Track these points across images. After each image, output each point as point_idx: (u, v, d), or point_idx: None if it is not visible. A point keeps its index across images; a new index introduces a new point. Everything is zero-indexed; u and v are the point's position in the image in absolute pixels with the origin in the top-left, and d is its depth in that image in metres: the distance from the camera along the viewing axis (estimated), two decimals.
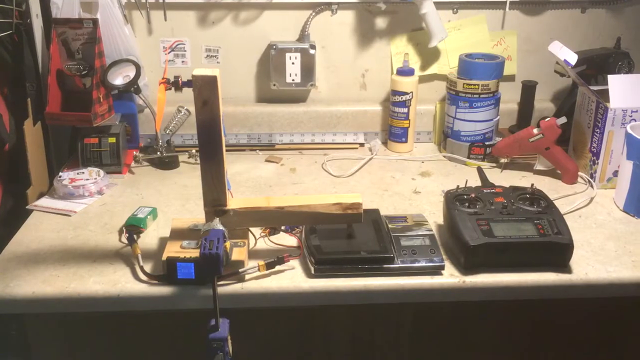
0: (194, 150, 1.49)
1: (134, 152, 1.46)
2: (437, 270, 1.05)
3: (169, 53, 1.56)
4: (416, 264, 1.05)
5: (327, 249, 1.06)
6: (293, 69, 1.53)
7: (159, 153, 1.47)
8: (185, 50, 1.56)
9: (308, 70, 1.54)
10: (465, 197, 1.15)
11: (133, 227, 1.16)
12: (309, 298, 1.04)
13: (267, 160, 1.52)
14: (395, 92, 1.52)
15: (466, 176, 1.42)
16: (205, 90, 0.96)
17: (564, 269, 1.06)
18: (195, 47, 1.56)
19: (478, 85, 1.45)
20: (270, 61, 1.54)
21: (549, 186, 1.38)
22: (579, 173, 1.40)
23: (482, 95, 1.46)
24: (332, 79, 1.60)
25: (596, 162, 1.36)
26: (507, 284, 1.05)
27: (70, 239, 1.16)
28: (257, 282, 1.03)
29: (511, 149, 1.43)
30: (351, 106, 1.61)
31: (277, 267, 1.05)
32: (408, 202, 1.31)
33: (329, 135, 1.60)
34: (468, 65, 1.46)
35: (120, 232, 1.18)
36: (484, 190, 1.18)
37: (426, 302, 1.06)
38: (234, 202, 1.06)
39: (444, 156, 1.53)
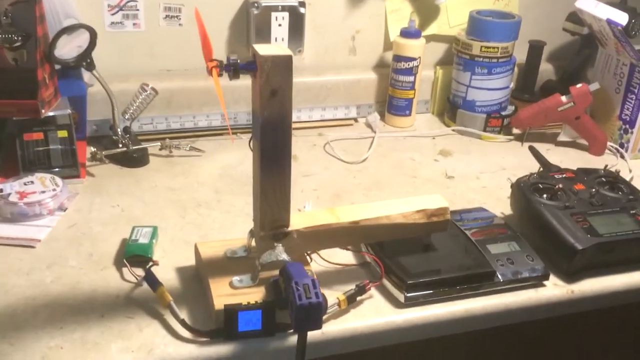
0: (167, 140, 1.18)
1: (91, 148, 1.11)
2: (540, 282, 0.88)
3: (116, 13, 1.20)
4: (519, 276, 0.87)
5: (414, 269, 0.84)
6: (280, 31, 1.25)
7: (121, 145, 1.14)
8: (137, 10, 1.21)
9: (297, 33, 1.27)
10: (541, 185, 0.98)
11: (137, 259, 0.86)
12: (403, 334, 0.82)
13: None
14: (399, 58, 1.30)
15: (490, 153, 1.28)
16: (276, 76, 0.69)
17: None
18: (151, 5, 1.22)
19: (497, 48, 1.27)
20: (251, 22, 1.24)
21: (577, 158, 1.26)
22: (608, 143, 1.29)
23: (500, 60, 1.28)
24: (318, 43, 1.34)
25: (629, 131, 1.25)
26: (617, 288, 0.90)
27: (50, 284, 0.83)
28: (337, 322, 0.79)
29: (535, 120, 1.28)
30: (341, 74, 1.36)
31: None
32: (449, 191, 1.12)
33: (317, 111, 1.35)
34: (483, 25, 1.28)
35: (120, 264, 0.87)
36: (556, 176, 1.02)
37: (526, 321, 0.89)
38: (294, 219, 0.80)
39: (454, 130, 1.35)
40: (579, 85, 1.24)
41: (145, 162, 1.15)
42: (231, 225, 0.98)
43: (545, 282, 0.88)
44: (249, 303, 0.74)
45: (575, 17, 1.36)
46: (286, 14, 1.24)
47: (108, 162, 1.13)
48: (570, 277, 0.90)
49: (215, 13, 1.26)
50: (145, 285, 0.82)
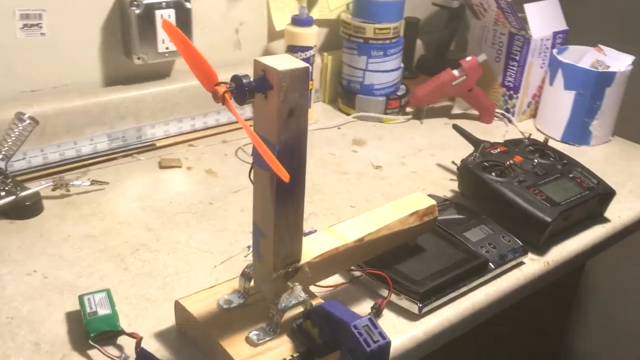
0: (60, 175, 0.96)
1: None
2: (522, 260, 0.89)
3: None
4: (506, 259, 0.87)
5: (418, 275, 0.79)
6: None
7: (4, 194, 0.91)
8: None
9: (185, 31, 1.10)
10: (487, 164, 0.99)
11: (103, 335, 0.69)
12: (425, 346, 0.77)
13: (163, 167, 1.08)
14: (294, 48, 1.22)
15: (399, 135, 1.29)
16: (294, 93, 0.58)
17: (601, 218, 1.01)
18: (3, 13, 0.97)
19: (389, 29, 1.25)
20: (132, 24, 1.06)
21: (473, 129, 1.29)
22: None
23: (393, 41, 1.27)
24: (201, 39, 1.19)
25: (514, 96, 1.33)
26: (577, 250, 0.95)
27: None
28: None
29: (432, 96, 1.30)
30: (230, 71, 1.22)
31: None
32: (385, 182, 1.08)
33: (212, 115, 1.21)
34: (374, 6, 1.24)
35: (83, 348, 0.69)
36: (492, 152, 1.03)
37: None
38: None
39: (354, 117, 1.31)
40: (468, 58, 1.28)
41: (40, 210, 0.93)
42: (188, 267, 0.84)
43: (524, 260, 0.90)
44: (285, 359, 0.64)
45: None
46: (172, 11, 1.08)
47: None
48: (540, 249, 0.92)
49: (86, 16, 1.05)
50: None
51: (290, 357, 0.64)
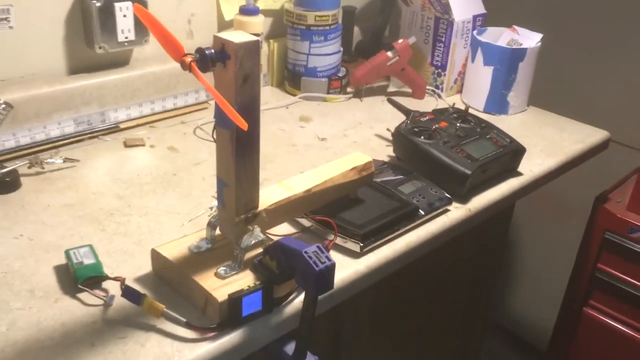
0: (36, 155, 1.06)
1: None
2: (447, 208, 1.04)
3: None
4: (434, 207, 1.01)
5: (359, 221, 0.93)
6: (125, 23, 1.19)
7: None
8: None
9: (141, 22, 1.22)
10: (417, 129, 1.14)
11: (90, 281, 0.80)
12: (367, 279, 0.91)
13: (128, 146, 1.18)
14: None
15: (341, 112, 1.42)
16: (248, 61, 0.71)
17: (515, 172, 1.18)
18: None
19: (329, 16, 1.39)
20: (94, 18, 1.16)
21: (407, 104, 1.45)
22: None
23: (332, 27, 1.41)
24: None
25: (442, 74, 1.48)
26: (495, 199, 1.10)
27: (9, 332, 0.73)
28: None
29: (370, 76, 1.44)
30: None
31: None
32: (331, 151, 1.22)
33: (170, 100, 1.32)
34: None
35: (73, 292, 0.80)
36: (422, 119, 1.18)
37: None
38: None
39: (300, 97, 1.44)
40: (400, 41, 1.43)
41: (18, 185, 1.03)
42: (159, 226, 0.95)
43: (449, 208, 1.05)
44: (249, 287, 0.76)
45: None
46: (129, 4, 1.19)
47: None
48: (463, 199, 1.07)
49: (49, 10, 1.15)
50: (115, 304, 0.78)
51: (254, 285, 0.77)
